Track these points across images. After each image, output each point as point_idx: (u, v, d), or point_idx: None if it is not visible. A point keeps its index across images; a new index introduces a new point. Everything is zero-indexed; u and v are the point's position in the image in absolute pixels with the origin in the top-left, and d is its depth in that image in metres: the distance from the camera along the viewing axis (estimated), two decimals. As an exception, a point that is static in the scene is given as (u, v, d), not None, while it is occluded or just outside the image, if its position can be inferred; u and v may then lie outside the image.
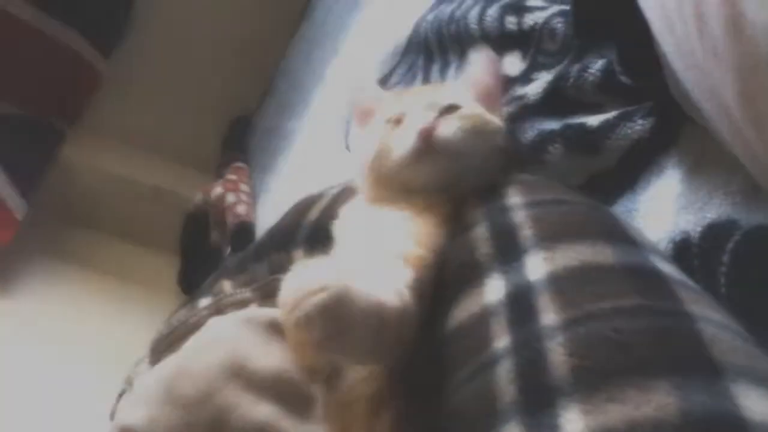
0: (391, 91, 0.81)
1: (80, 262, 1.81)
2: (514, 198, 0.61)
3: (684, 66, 0.51)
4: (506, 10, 0.90)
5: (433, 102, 0.72)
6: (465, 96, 0.75)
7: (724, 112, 0.47)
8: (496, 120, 0.75)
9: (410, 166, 0.69)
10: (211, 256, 1.61)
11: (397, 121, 0.72)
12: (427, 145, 0.68)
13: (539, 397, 0.45)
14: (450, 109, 0.71)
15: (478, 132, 0.71)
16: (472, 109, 0.73)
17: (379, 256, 0.61)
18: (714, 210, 0.57)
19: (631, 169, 0.68)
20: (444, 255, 0.62)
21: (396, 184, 0.71)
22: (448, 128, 0.68)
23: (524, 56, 0.87)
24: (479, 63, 0.74)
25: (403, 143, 0.69)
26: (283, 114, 1.67)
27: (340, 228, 0.76)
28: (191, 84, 2.02)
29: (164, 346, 0.96)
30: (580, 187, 0.71)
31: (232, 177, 1.72)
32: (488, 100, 0.75)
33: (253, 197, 1.66)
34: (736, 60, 0.43)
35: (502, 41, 0.90)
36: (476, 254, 0.58)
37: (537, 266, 0.53)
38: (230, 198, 1.62)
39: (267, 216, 1.40)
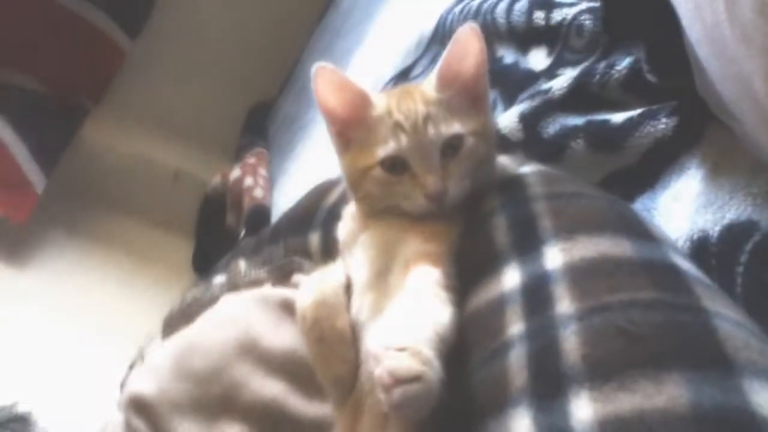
0: (368, 96, 0.68)
1: (97, 239, 1.83)
2: (535, 189, 0.61)
3: (712, 54, 0.51)
4: (535, 4, 0.90)
5: (433, 142, 0.64)
6: (450, 98, 0.67)
7: (751, 98, 0.47)
8: (487, 120, 0.69)
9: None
10: (226, 238, 1.62)
11: (394, 165, 0.65)
12: (438, 205, 0.65)
13: (550, 383, 0.45)
14: (453, 145, 0.65)
15: (481, 162, 0.67)
16: (466, 127, 0.66)
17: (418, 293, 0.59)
18: (734, 210, 0.57)
19: (653, 168, 0.68)
20: (461, 243, 0.62)
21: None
22: (457, 187, 0.65)
23: (550, 52, 0.87)
24: (461, 43, 0.66)
25: (411, 203, 0.65)
26: (303, 102, 1.67)
27: (344, 233, 0.75)
28: (214, 68, 2.03)
29: (177, 321, 0.97)
30: (599, 184, 0.71)
31: (251, 161, 1.73)
32: (472, 85, 0.68)
33: (271, 182, 1.67)
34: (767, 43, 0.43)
35: (528, 36, 0.90)
36: (495, 243, 0.59)
37: (554, 256, 0.53)
38: (248, 181, 1.63)
39: (283, 201, 1.41)
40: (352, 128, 0.69)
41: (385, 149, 0.65)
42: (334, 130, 0.70)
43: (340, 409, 0.66)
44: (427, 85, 0.68)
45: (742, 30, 0.45)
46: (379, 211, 0.69)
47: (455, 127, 0.65)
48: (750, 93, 0.47)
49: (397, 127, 0.65)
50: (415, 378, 0.48)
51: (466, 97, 0.67)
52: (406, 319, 0.54)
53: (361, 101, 0.68)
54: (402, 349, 0.49)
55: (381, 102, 0.68)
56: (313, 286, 0.68)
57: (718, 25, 0.47)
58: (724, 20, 0.46)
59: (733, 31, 0.46)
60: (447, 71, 0.67)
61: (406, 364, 0.49)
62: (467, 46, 0.66)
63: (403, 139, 0.65)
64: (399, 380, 0.48)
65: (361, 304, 0.66)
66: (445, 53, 0.67)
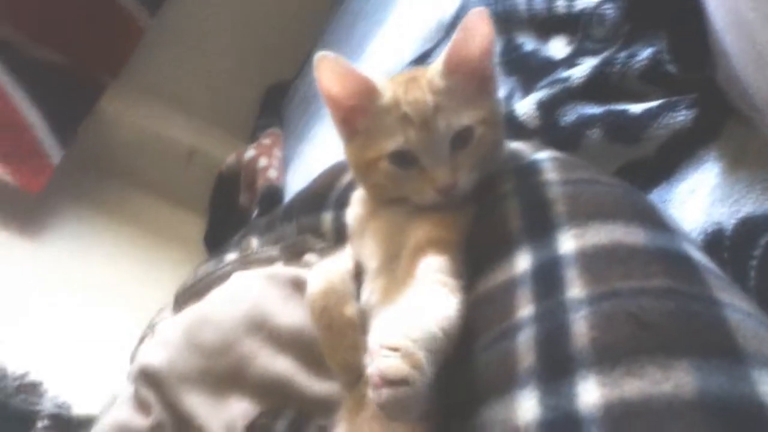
0: (374, 84, 0.66)
1: (110, 213, 1.84)
2: (550, 174, 0.61)
3: (737, 38, 0.50)
4: (557, -8, 0.89)
5: (442, 135, 0.64)
6: (458, 84, 0.66)
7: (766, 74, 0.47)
8: (495, 105, 0.69)
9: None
10: (239, 217, 1.63)
11: (402, 159, 0.65)
12: (448, 197, 0.64)
13: (558, 365, 0.45)
14: (463, 137, 0.64)
15: (489, 150, 0.67)
16: (476, 117, 0.65)
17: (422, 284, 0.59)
18: (750, 204, 0.57)
19: (670, 160, 0.68)
20: (473, 226, 0.63)
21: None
22: (467, 179, 0.65)
23: (571, 40, 0.87)
24: (469, 28, 0.64)
25: (421, 197, 0.65)
26: (321, 84, 1.67)
27: (352, 219, 0.76)
28: (232, 48, 2.03)
29: (188, 295, 0.98)
30: (614, 175, 0.71)
31: (266, 141, 1.73)
32: (480, 69, 0.67)
33: (285, 163, 1.67)
34: None
35: (549, 23, 0.90)
36: (508, 226, 0.59)
37: (567, 242, 0.53)
38: (262, 162, 1.63)
39: (297, 183, 1.41)
40: (358, 116, 0.68)
41: (393, 143, 0.65)
42: (338, 117, 0.69)
43: (348, 392, 0.66)
44: (434, 71, 0.67)
45: (765, 13, 0.45)
46: (388, 200, 0.69)
47: (465, 119, 0.64)
48: (764, 66, 0.47)
49: (406, 119, 0.64)
50: (403, 381, 0.48)
51: (473, 81, 0.66)
52: (407, 315, 0.54)
53: (367, 89, 0.67)
54: (395, 349, 0.49)
55: (387, 91, 0.67)
56: (321, 274, 0.69)
57: (744, 8, 0.47)
58: (749, 3, 0.46)
59: (757, 15, 0.45)
60: (455, 56, 0.66)
61: (396, 365, 0.48)
62: (475, 31, 0.65)
63: (412, 134, 0.64)
64: (387, 381, 0.48)
65: (371, 289, 0.66)
66: (453, 38, 0.65)
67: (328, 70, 0.66)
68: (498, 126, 0.68)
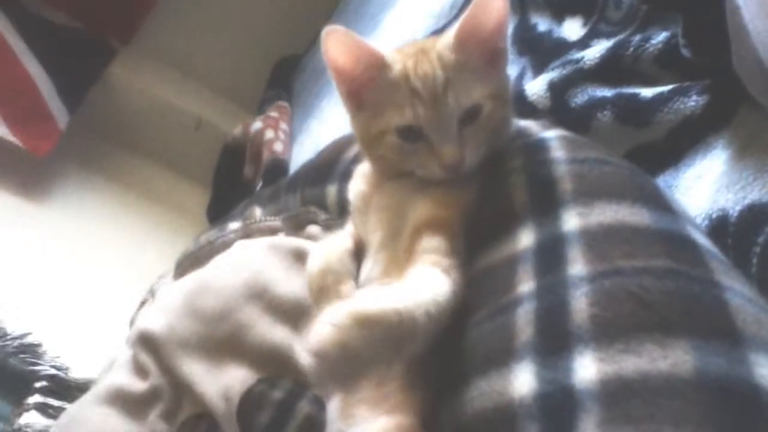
0: (383, 57, 0.65)
1: (115, 179, 1.84)
2: (558, 152, 0.61)
3: (759, 12, 0.50)
4: (574, -27, 0.88)
5: (451, 112, 0.63)
6: (468, 59, 0.64)
7: None
8: (504, 80, 0.68)
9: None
10: (243, 189, 1.63)
11: (409, 133, 0.64)
12: (455, 173, 0.63)
13: (556, 340, 0.45)
14: (471, 113, 0.64)
15: (497, 126, 0.66)
16: (484, 93, 0.64)
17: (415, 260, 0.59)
18: (756, 191, 0.56)
19: (678, 145, 0.68)
20: (477, 203, 0.62)
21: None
22: (474, 156, 0.64)
23: (586, 22, 0.86)
24: (483, 3, 0.63)
25: (427, 172, 0.64)
26: (332, 59, 1.66)
27: (354, 195, 0.75)
28: (244, 19, 2.02)
29: (190, 262, 0.98)
30: (623, 158, 0.71)
31: (274, 114, 1.72)
32: (492, 43, 0.65)
33: (291, 137, 1.67)
34: None
35: (564, 5, 0.89)
36: (512, 202, 0.59)
37: (571, 220, 0.53)
38: (269, 134, 1.63)
39: (302, 157, 1.41)
40: (365, 89, 0.67)
41: (401, 118, 0.64)
42: (345, 89, 0.68)
43: None
44: (444, 44, 0.65)
45: None
46: (394, 173, 0.69)
47: (475, 95, 0.63)
48: None
49: (415, 94, 0.63)
50: (324, 354, 0.47)
51: (484, 56, 0.65)
52: (383, 293, 0.52)
53: (375, 62, 0.66)
54: (333, 324, 0.48)
55: (397, 63, 0.65)
56: (319, 254, 0.69)
57: None
58: None
59: None
60: (467, 29, 0.64)
61: (323, 337, 0.47)
62: (490, 5, 0.63)
63: (420, 109, 0.63)
64: (311, 351, 0.47)
65: (373, 262, 0.66)
66: (467, 12, 0.64)
67: (335, 42, 0.65)
68: (506, 102, 0.67)
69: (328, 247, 0.70)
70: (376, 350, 0.48)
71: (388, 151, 0.66)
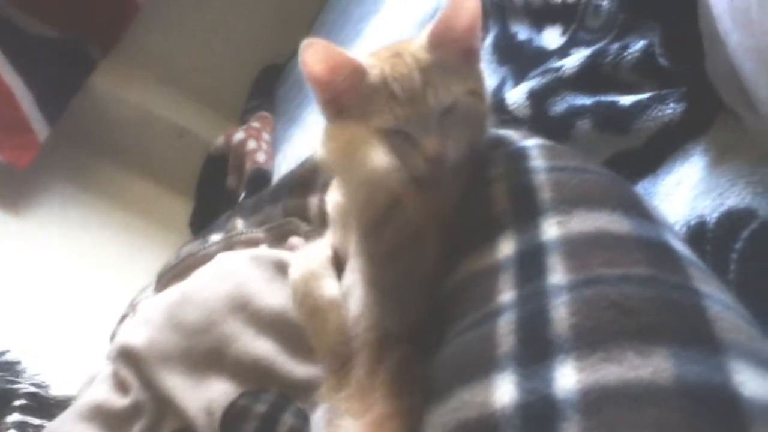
0: (360, 65, 0.65)
1: (97, 190, 1.82)
2: (538, 161, 0.61)
3: (735, 25, 0.50)
4: (553, -18, 0.89)
5: (430, 108, 0.63)
6: (444, 58, 0.65)
7: None
8: (479, 75, 0.68)
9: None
10: (226, 199, 1.62)
11: (392, 135, 0.63)
12: (438, 167, 0.63)
13: (537, 349, 0.45)
14: (451, 108, 0.64)
15: (477, 120, 0.66)
16: (463, 90, 0.64)
17: None
18: (734, 198, 0.57)
19: (657, 152, 0.68)
20: (459, 207, 0.62)
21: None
22: (456, 149, 0.63)
23: (565, 30, 0.87)
24: (457, 4, 0.63)
25: (412, 167, 0.63)
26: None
27: (331, 207, 0.75)
28: (227, 29, 2.02)
29: (171, 275, 0.97)
30: (602, 165, 0.71)
31: (256, 124, 1.72)
32: (466, 42, 0.66)
33: (274, 146, 1.66)
34: None
35: (544, 13, 0.90)
36: (494, 211, 0.59)
37: (551, 228, 0.53)
38: (251, 144, 1.62)
39: (285, 167, 1.41)
40: (344, 96, 0.66)
41: (382, 121, 0.63)
42: (323, 99, 0.68)
43: (333, 375, 0.66)
44: (418, 45, 0.65)
45: None
46: None
47: (454, 91, 0.64)
48: None
49: (393, 97, 0.63)
50: None
51: (459, 54, 0.65)
52: None
53: (353, 70, 0.65)
54: None
55: (374, 68, 0.65)
56: (301, 262, 0.70)
57: None
58: None
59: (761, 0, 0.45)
60: (441, 30, 0.65)
61: None
62: (464, 6, 0.64)
63: (400, 111, 0.63)
64: None
65: (352, 272, 0.66)
66: (442, 12, 0.64)
67: (312, 53, 0.65)
68: (483, 96, 0.67)
69: (308, 255, 0.71)
70: None
71: (381, 173, 0.64)
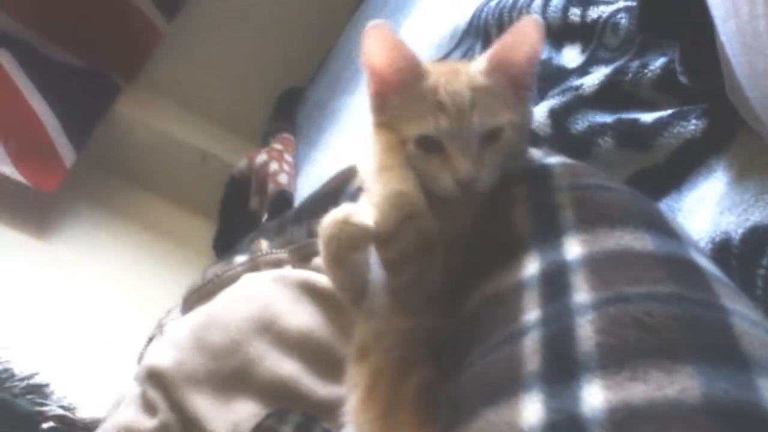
0: (420, 66, 0.66)
1: (121, 215, 1.85)
2: (560, 179, 0.61)
3: (744, 50, 0.51)
4: (572, 1, 0.90)
5: (473, 130, 0.63)
6: (497, 85, 0.65)
7: None
8: (527, 113, 0.69)
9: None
10: (249, 222, 1.63)
11: (428, 144, 0.64)
12: (466, 191, 0.63)
13: (563, 368, 0.45)
14: (493, 135, 0.64)
15: (514, 154, 0.66)
16: (508, 119, 0.64)
17: None
18: (758, 213, 0.57)
19: (680, 168, 0.68)
20: (482, 227, 0.63)
21: None
22: (489, 177, 0.64)
23: (584, 49, 0.87)
24: (519, 33, 0.64)
25: (439, 185, 0.64)
26: (335, 90, 1.68)
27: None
28: (247, 53, 2.05)
29: (197, 296, 0.98)
30: (625, 182, 0.71)
31: (278, 146, 1.74)
32: (521, 76, 0.67)
33: (296, 168, 1.68)
34: None
35: (563, 32, 0.90)
36: (516, 229, 0.59)
37: (575, 247, 0.53)
38: (273, 166, 1.64)
39: (307, 188, 1.42)
40: (393, 92, 0.67)
41: (423, 127, 0.64)
42: (374, 89, 0.69)
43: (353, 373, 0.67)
44: (476, 68, 0.66)
45: None
46: None
47: (500, 118, 0.64)
48: None
49: (440, 107, 0.64)
50: None
51: (512, 86, 0.66)
52: None
53: (412, 69, 0.66)
54: None
55: (430, 75, 0.66)
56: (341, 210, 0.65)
57: (755, 19, 0.47)
58: (761, 14, 0.46)
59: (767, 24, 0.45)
60: (499, 58, 0.66)
61: None
62: (525, 37, 0.65)
63: (444, 122, 0.63)
64: None
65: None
66: (501, 40, 0.65)
67: (378, 39, 0.66)
68: (526, 133, 0.68)
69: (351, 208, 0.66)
70: None
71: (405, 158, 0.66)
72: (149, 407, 0.85)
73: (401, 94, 0.67)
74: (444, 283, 0.62)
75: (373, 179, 0.62)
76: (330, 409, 0.75)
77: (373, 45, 0.66)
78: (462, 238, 0.63)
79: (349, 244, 0.62)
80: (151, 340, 1.04)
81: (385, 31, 0.66)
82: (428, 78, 0.66)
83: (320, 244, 0.66)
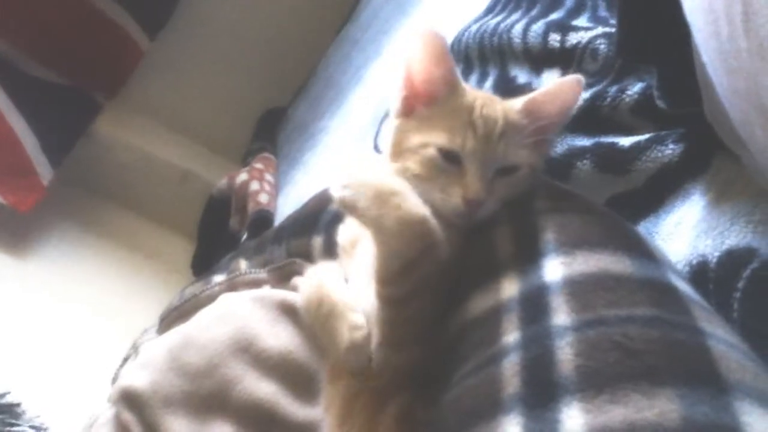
0: (458, 82, 0.69)
1: (100, 234, 1.83)
2: (541, 202, 0.62)
3: (724, 69, 0.51)
4: (551, 27, 0.91)
5: (495, 158, 0.65)
6: (527, 128, 0.67)
7: (760, 114, 0.48)
8: (540, 158, 0.70)
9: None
10: (228, 241, 1.62)
11: (448, 156, 0.65)
12: (469, 214, 0.64)
13: (542, 392, 0.45)
14: (509, 169, 0.66)
15: (517, 193, 0.66)
16: (526, 161, 0.67)
17: None
18: (734, 237, 0.57)
19: (657, 192, 0.69)
20: (464, 250, 0.63)
21: None
22: (492, 206, 0.64)
23: (563, 74, 0.88)
24: (562, 89, 0.68)
25: (445, 199, 0.64)
26: (316, 111, 1.69)
27: (344, 238, 0.76)
28: (229, 72, 2.05)
29: (174, 316, 0.97)
30: (603, 206, 0.72)
31: (259, 166, 1.73)
32: (550, 126, 0.69)
33: (277, 188, 1.67)
34: None
35: (543, 57, 0.91)
36: (496, 252, 0.59)
37: (555, 269, 0.53)
38: (254, 186, 1.63)
39: (288, 208, 1.41)
40: (422, 103, 0.69)
41: (449, 140, 0.65)
42: (405, 94, 0.70)
43: (330, 399, 0.66)
44: (512, 105, 0.69)
45: (759, 42, 0.45)
46: None
47: (521, 157, 0.66)
48: (758, 107, 0.48)
49: (471, 126, 0.66)
50: None
51: (538, 133, 0.68)
52: None
53: (448, 83, 0.68)
54: None
55: (467, 95, 0.68)
56: (313, 277, 0.70)
57: (735, 38, 0.47)
58: (740, 33, 0.47)
59: (748, 44, 0.46)
60: (536, 105, 0.68)
61: None
62: (566, 94, 0.68)
63: (470, 142, 0.65)
64: None
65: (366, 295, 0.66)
66: (543, 89, 0.68)
67: (427, 46, 0.67)
68: (534, 179, 0.68)
69: (320, 271, 0.72)
70: None
71: (418, 163, 0.66)
72: (123, 429, 0.84)
73: (433, 104, 0.69)
74: (435, 312, 0.61)
75: (386, 197, 0.59)
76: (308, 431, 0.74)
77: (418, 52, 0.68)
78: (453, 265, 0.62)
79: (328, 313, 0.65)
80: (126, 360, 1.03)
81: (435, 43, 0.67)
82: (465, 96, 0.68)
83: (308, 317, 0.69)
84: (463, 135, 0.65)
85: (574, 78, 0.67)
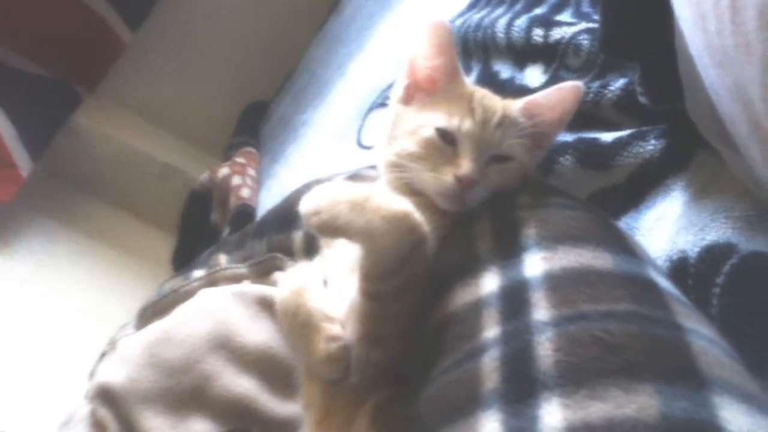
0: (460, 73, 0.71)
1: (80, 227, 1.80)
2: (522, 197, 0.61)
3: (711, 63, 0.51)
4: (535, 22, 0.90)
5: (490, 144, 0.66)
6: (523, 128, 0.68)
7: (746, 108, 0.48)
8: (533, 161, 0.71)
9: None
10: (209, 236, 1.61)
11: (445, 136, 0.66)
12: (460, 194, 0.64)
13: (522, 387, 0.45)
14: (502, 159, 0.67)
15: (510, 183, 0.67)
16: (520, 156, 0.67)
17: None
18: (714, 233, 0.57)
19: (639, 188, 0.69)
20: (444, 244, 0.62)
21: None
22: (482, 192, 0.65)
23: (546, 69, 0.88)
24: (561, 95, 0.68)
25: (437, 177, 0.65)
26: (299, 105, 1.67)
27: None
28: (212, 67, 2.03)
29: (152, 311, 0.96)
30: (585, 201, 0.71)
31: (241, 160, 1.72)
32: (545, 133, 0.70)
33: (259, 182, 1.66)
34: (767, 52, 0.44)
35: (526, 52, 0.91)
36: (476, 247, 0.59)
37: (535, 264, 0.53)
38: (236, 180, 1.62)
39: (270, 203, 1.40)
40: (425, 89, 0.71)
41: (448, 121, 0.66)
42: (408, 81, 0.72)
43: (308, 395, 0.65)
44: (512, 104, 0.70)
45: (744, 38, 0.45)
46: (400, 178, 0.68)
47: (514, 151, 0.67)
48: (745, 101, 0.48)
49: (470, 112, 0.67)
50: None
51: (535, 135, 0.69)
52: None
53: (451, 72, 0.70)
54: None
55: (468, 86, 0.70)
56: (290, 280, 0.68)
57: (721, 32, 0.47)
58: (727, 28, 0.47)
59: (735, 39, 0.46)
60: (535, 108, 0.69)
61: None
62: (565, 101, 0.68)
63: (468, 124, 0.66)
64: None
65: (346, 284, 0.65)
66: (543, 93, 0.69)
67: (433, 36, 0.69)
68: (525, 176, 0.69)
69: (297, 274, 0.71)
70: None
71: (414, 143, 0.67)
72: (99, 426, 0.83)
73: (434, 92, 0.71)
74: (420, 308, 0.60)
75: (363, 203, 0.57)
76: (287, 427, 0.73)
77: (423, 42, 0.70)
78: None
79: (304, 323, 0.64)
80: (103, 356, 1.01)
81: (440, 33, 0.69)
82: (466, 87, 0.70)
83: (285, 322, 0.67)
84: (461, 117, 0.66)
85: (574, 85, 0.68)
